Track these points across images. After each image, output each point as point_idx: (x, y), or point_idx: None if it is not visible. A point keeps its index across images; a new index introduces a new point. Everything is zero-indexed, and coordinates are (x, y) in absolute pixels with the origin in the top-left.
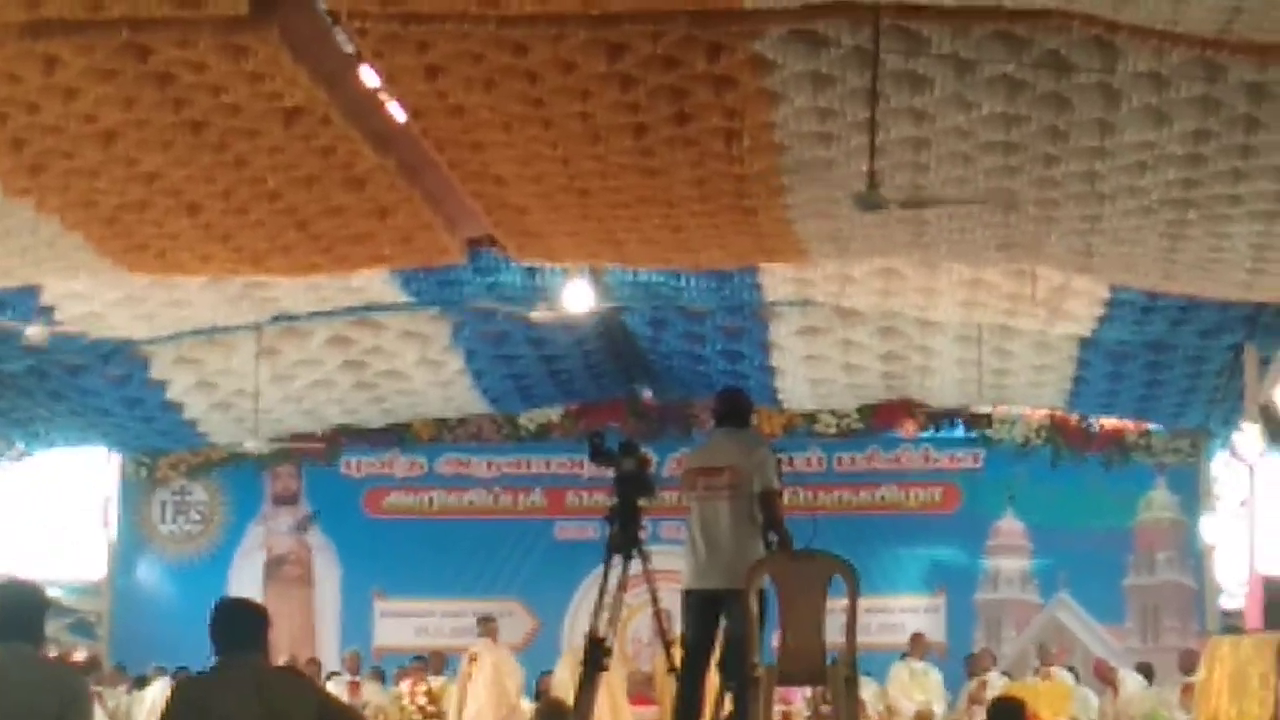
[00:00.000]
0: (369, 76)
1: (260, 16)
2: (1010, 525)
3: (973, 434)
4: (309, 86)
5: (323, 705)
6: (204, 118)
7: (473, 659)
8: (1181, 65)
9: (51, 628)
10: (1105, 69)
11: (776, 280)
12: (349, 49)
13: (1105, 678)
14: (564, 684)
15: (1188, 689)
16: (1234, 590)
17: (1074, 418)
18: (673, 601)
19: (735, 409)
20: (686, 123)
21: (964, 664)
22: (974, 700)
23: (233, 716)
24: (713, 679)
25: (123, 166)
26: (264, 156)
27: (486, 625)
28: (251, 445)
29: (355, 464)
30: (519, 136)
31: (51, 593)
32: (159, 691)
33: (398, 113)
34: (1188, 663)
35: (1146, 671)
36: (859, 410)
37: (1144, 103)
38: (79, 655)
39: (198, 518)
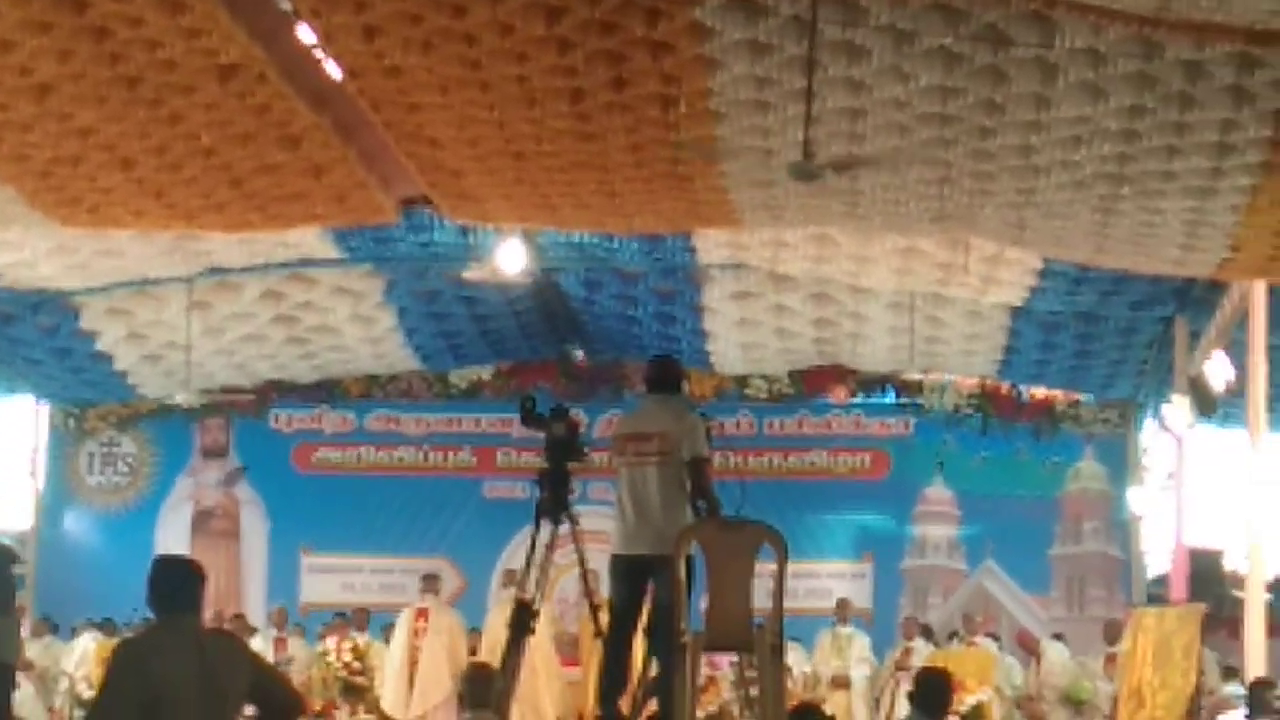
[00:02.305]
0: (306, 34)
1: None
2: (938, 493)
3: (903, 401)
4: (245, 43)
5: (256, 669)
6: (139, 73)
7: (421, 615)
8: (1119, 41)
9: None
10: (1043, 43)
11: (710, 244)
12: (286, 6)
13: (1028, 648)
14: (496, 644)
15: (1111, 659)
16: (1159, 561)
17: (1004, 386)
18: (600, 563)
19: (667, 376)
20: (623, 88)
21: (899, 630)
22: (899, 666)
23: (174, 678)
24: (640, 645)
25: (56, 120)
26: (199, 113)
27: (430, 583)
28: (181, 398)
29: (285, 418)
30: (455, 99)
31: None
32: (87, 642)
33: (334, 72)
34: (1112, 633)
35: (1060, 639)
36: (790, 375)
37: (1081, 78)
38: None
39: (126, 469)
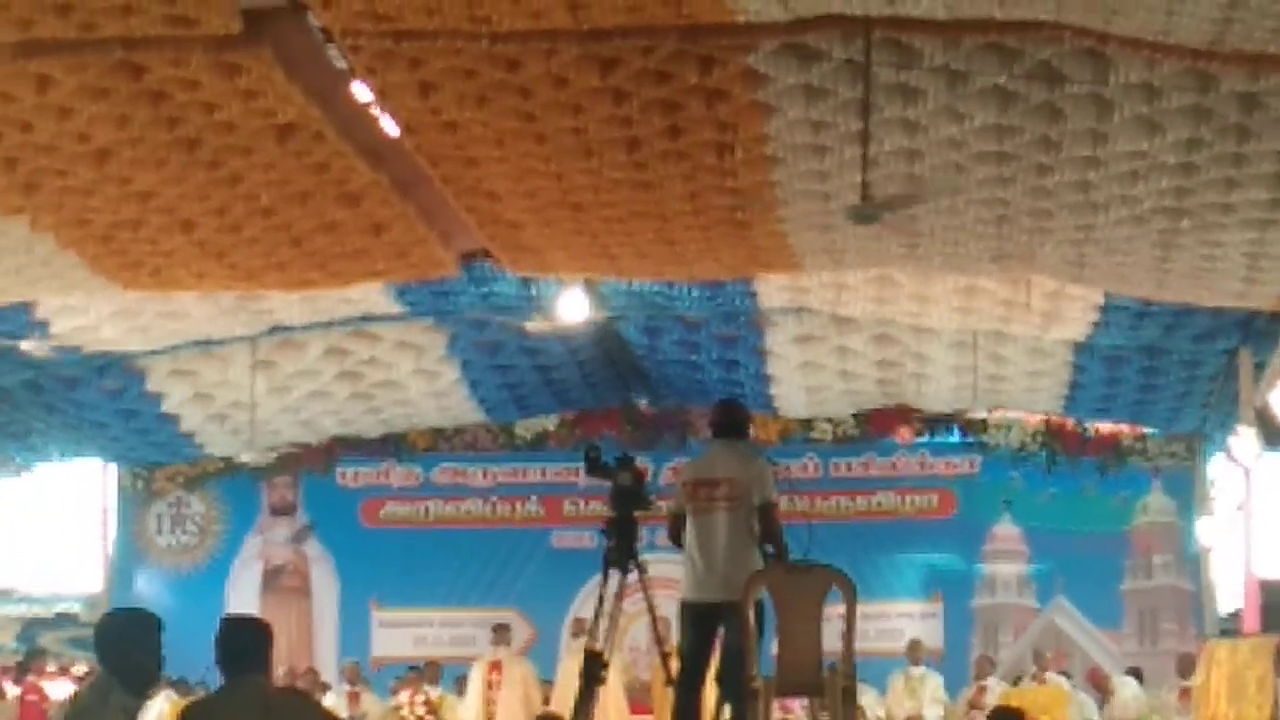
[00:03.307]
0: (362, 92)
1: (253, 35)
2: (1006, 530)
3: (969, 439)
4: (302, 103)
5: None
6: (197, 135)
7: (495, 667)
8: (1173, 76)
9: (50, 641)
10: (1097, 80)
11: (771, 288)
12: (342, 65)
13: (1099, 685)
14: (567, 693)
15: (1185, 693)
16: (1230, 594)
17: (1069, 422)
18: (670, 610)
19: (732, 420)
20: (679, 136)
21: (971, 668)
22: (973, 705)
23: None
24: (711, 691)
25: (117, 185)
26: (258, 173)
27: (502, 634)
28: (248, 456)
29: (351, 474)
30: (512, 152)
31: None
32: (161, 703)
33: (391, 128)
34: (1185, 666)
35: (1137, 675)
36: (855, 417)
37: (1136, 113)
38: (79, 669)
39: (195, 529)
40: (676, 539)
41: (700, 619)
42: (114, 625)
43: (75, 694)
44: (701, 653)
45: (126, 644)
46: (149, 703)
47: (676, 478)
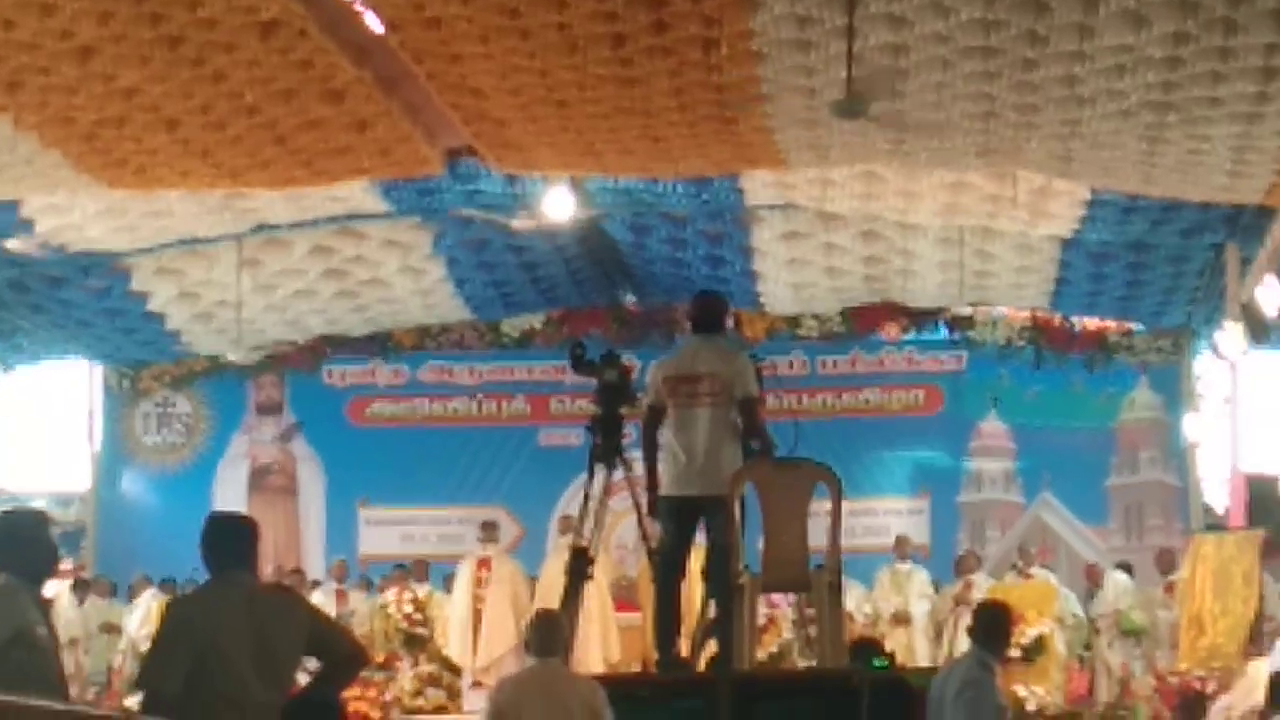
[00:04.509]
0: None
1: None
2: (993, 426)
3: (955, 336)
4: None
5: (314, 622)
6: (181, 32)
7: (482, 565)
8: None
9: None
10: None
11: (757, 185)
12: None
13: (1094, 581)
14: (551, 591)
15: (1169, 587)
16: (1217, 488)
17: (1056, 318)
18: None
19: (711, 314)
20: (664, 31)
21: (953, 566)
22: (959, 601)
23: (225, 635)
24: (697, 587)
25: (100, 82)
26: (242, 71)
27: (490, 531)
28: (234, 355)
29: (338, 373)
30: (497, 48)
31: (36, 505)
32: (148, 601)
33: (375, 24)
34: (1165, 562)
35: (1128, 570)
36: (841, 313)
37: (1122, 6)
38: (65, 567)
39: (181, 428)
40: (652, 435)
41: (681, 513)
42: (6, 524)
43: None
44: (681, 547)
45: (21, 541)
46: (134, 602)
47: (654, 373)
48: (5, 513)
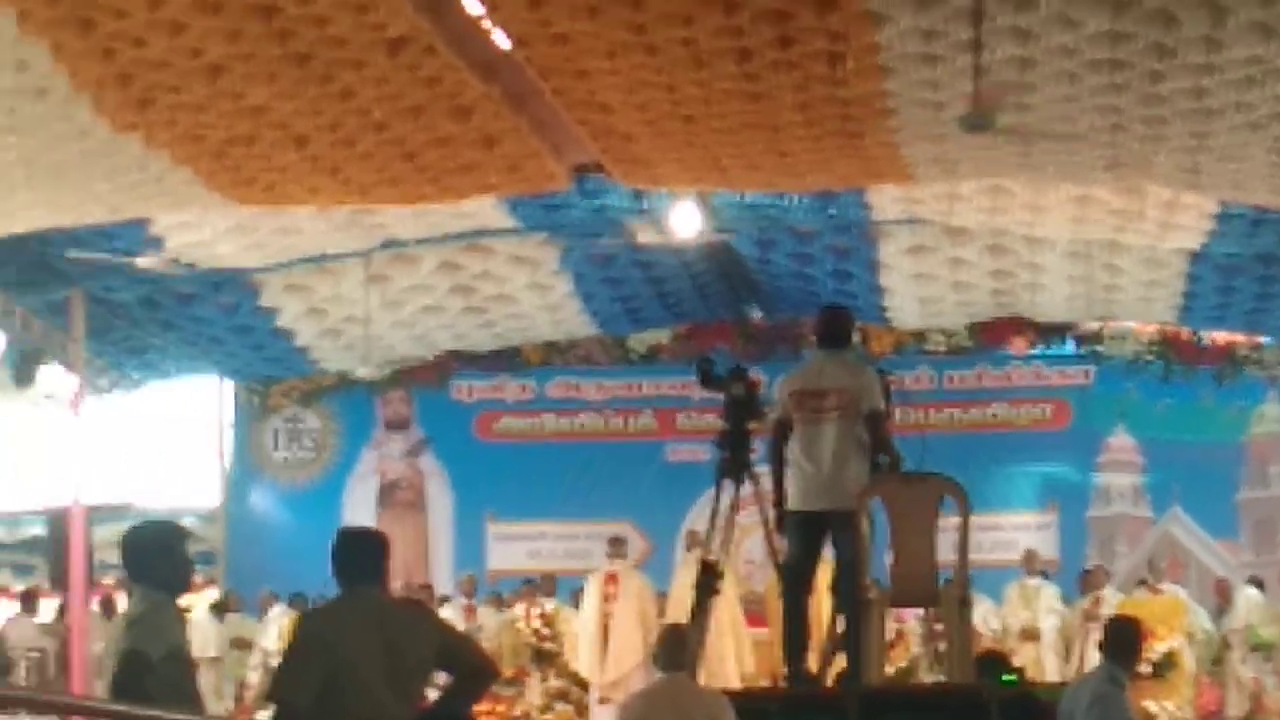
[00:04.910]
0: (472, 5)
1: None
2: (1122, 441)
3: (1083, 350)
4: (413, 16)
5: (443, 636)
6: (309, 50)
7: (610, 580)
8: None
9: None
10: None
11: (884, 199)
12: None
13: (1224, 595)
14: (680, 606)
15: None
16: None
17: (1185, 332)
18: None
19: (837, 328)
20: (790, 46)
21: (1078, 581)
22: (1088, 617)
23: (356, 649)
24: (825, 602)
25: (230, 100)
26: (370, 88)
27: (618, 547)
28: (363, 371)
29: (466, 388)
30: (623, 64)
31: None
32: (279, 617)
33: (502, 41)
34: None
35: (1259, 585)
36: (968, 328)
37: (1251, 18)
38: (197, 581)
39: (310, 444)
40: (778, 449)
41: (807, 528)
42: (147, 536)
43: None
44: (807, 561)
45: (163, 554)
46: (267, 617)
47: (781, 388)
48: (145, 525)
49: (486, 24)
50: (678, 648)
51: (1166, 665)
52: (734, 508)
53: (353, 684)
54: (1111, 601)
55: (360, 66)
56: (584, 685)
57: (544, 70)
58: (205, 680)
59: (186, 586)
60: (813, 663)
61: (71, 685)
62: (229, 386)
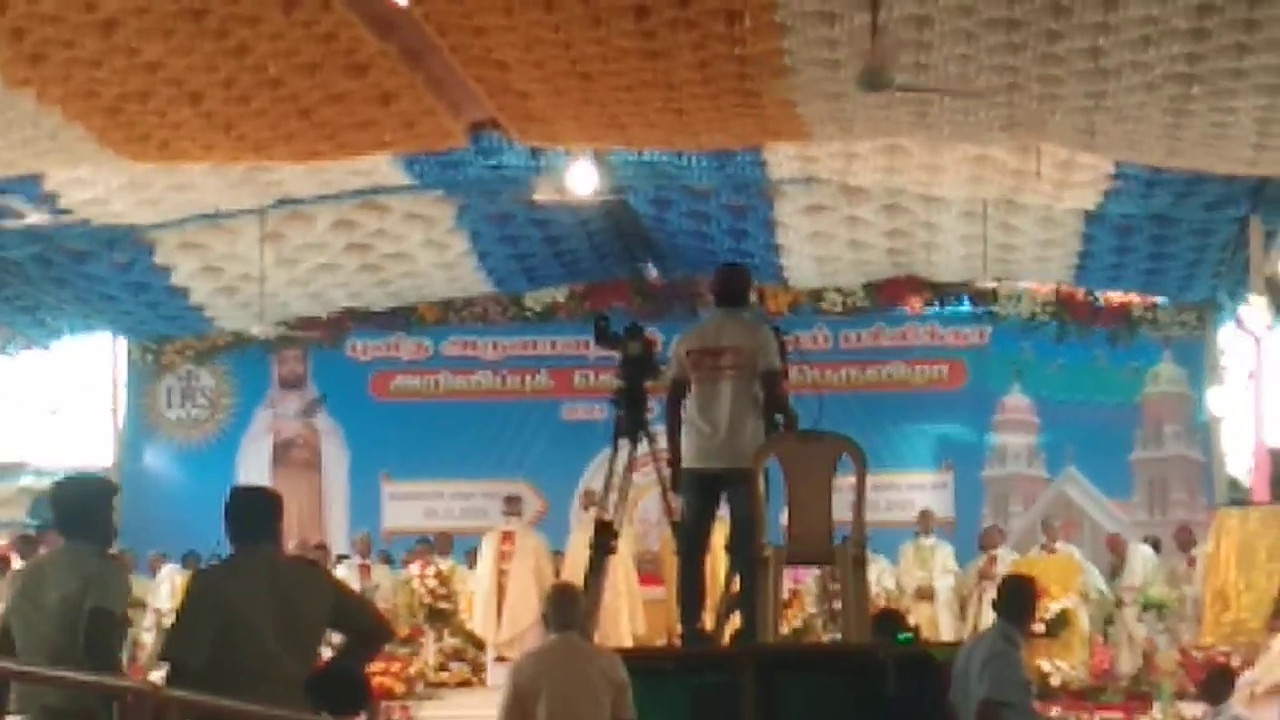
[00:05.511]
0: None
1: None
2: (1017, 401)
3: (979, 310)
4: None
5: (337, 596)
6: (204, 5)
7: (506, 539)
8: None
9: None
10: None
11: (780, 158)
12: None
13: (1117, 551)
14: (576, 565)
15: (1190, 563)
16: (1241, 462)
17: (1080, 292)
18: None
19: (734, 287)
20: (688, 4)
21: (974, 540)
22: (983, 576)
23: (249, 608)
24: (720, 560)
25: (124, 56)
26: (265, 44)
27: (513, 505)
28: (258, 330)
29: (361, 347)
30: (521, 20)
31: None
32: (172, 575)
33: None
34: (1184, 539)
35: (1154, 545)
36: (865, 287)
37: None
38: None
39: (205, 403)
40: (675, 408)
41: (703, 486)
42: (91, 491)
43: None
44: (704, 520)
45: (102, 509)
46: (158, 577)
47: (677, 347)
48: (78, 478)
49: None
50: (569, 607)
51: (1060, 624)
52: (630, 467)
53: (246, 643)
54: (1006, 561)
55: (256, 22)
56: (480, 644)
57: (441, 27)
58: None
59: (110, 543)
60: (708, 621)
61: None
62: (123, 344)
